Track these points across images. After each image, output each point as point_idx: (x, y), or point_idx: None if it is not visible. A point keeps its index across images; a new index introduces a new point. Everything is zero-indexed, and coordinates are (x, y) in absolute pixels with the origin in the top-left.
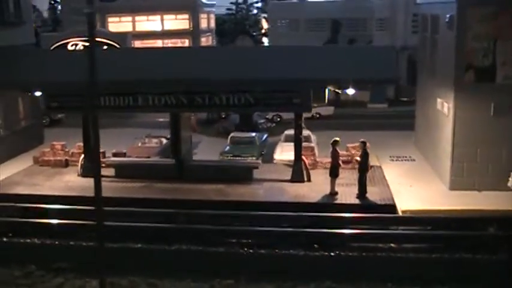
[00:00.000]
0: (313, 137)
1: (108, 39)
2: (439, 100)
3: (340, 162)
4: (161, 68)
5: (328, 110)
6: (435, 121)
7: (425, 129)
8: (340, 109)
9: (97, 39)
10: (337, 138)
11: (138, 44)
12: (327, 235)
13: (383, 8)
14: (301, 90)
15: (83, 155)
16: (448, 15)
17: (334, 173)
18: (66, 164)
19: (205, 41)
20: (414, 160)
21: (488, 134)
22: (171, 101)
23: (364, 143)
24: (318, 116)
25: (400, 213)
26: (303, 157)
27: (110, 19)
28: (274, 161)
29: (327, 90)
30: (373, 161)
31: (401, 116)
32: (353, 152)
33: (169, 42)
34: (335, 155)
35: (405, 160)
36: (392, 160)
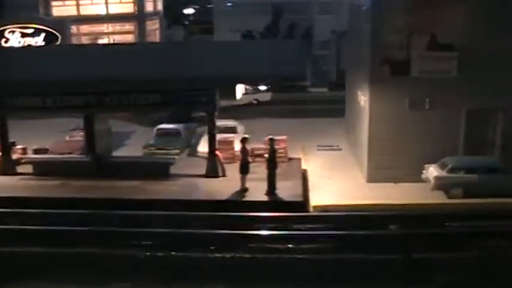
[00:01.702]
0: (240, 127)
1: (45, 26)
2: (359, 93)
3: (250, 159)
4: (73, 66)
5: (266, 96)
6: (356, 113)
7: (350, 120)
8: (280, 94)
9: (34, 26)
10: (247, 136)
11: (84, 28)
12: (228, 236)
13: None
14: (206, 89)
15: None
16: (363, 7)
17: (244, 170)
18: None
19: (152, 24)
20: (341, 150)
21: (404, 127)
22: (79, 102)
23: (272, 140)
24: (256, 102)
25: (311, 209)
26: (217, 152)
27: (53, 3)
28: (198, 154)
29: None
30: (296, 152)
31: (341, 100)
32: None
33: (117, 26)
34: (244, 152)
35: (332, 150)
36: (319, 150)
